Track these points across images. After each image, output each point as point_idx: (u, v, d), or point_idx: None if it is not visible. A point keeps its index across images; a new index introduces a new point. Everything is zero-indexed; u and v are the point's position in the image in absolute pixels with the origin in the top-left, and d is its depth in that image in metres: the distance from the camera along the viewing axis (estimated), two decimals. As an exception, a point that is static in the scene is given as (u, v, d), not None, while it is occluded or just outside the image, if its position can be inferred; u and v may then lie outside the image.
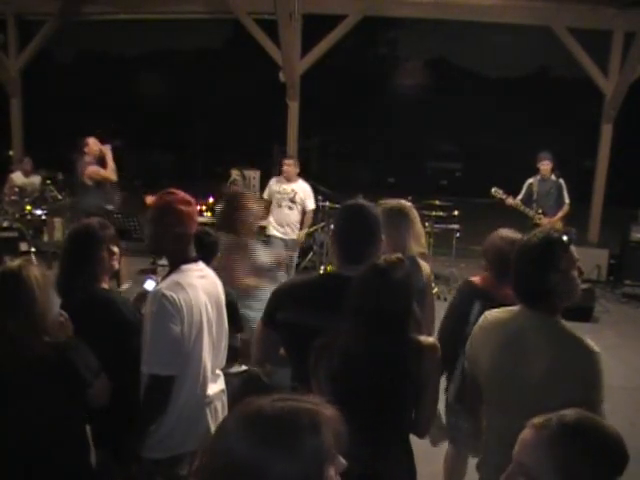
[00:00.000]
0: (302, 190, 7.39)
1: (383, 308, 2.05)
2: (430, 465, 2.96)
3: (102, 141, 7.15)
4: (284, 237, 7.18)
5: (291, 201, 7.27)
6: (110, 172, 6.98)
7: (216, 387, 2.57)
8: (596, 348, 2.02)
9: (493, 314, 2.24)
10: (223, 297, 2.62)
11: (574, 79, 18.59)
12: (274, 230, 7.19)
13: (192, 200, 2.51)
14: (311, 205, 7.47)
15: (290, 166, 7.36)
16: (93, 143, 7.09)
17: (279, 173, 7.54)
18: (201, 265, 2.54)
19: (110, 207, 7.06)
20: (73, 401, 2.23)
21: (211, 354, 2.49)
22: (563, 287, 2.06)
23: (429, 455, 2.66)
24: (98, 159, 7.09)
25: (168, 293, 2.32)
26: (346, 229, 2.34)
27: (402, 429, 2.19)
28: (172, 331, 2.29)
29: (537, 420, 1.31)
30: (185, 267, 2.44)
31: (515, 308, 2.17)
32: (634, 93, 9.24)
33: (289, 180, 7.34)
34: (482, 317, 2.28)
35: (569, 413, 1.31)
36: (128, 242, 6.55)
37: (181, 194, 2.49)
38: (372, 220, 2.31)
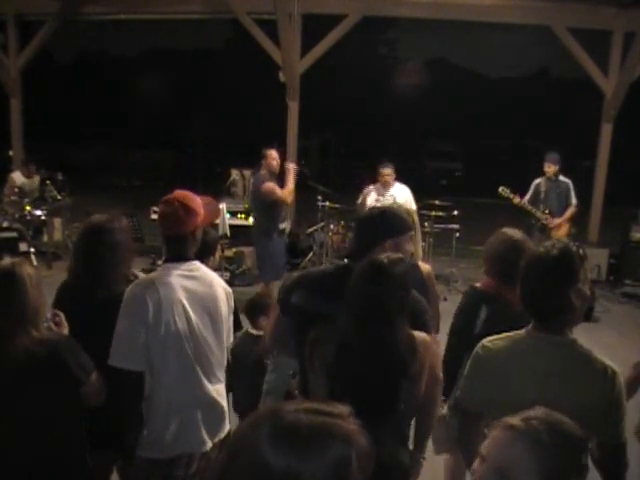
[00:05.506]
0: (401, 194, 7.26)
1: (377, 301, 2.11)
2: (431, 465, 2.96)
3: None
4: None
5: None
6: (287, 193, 6.37)
7: (211, 391, 2.50)
8: (615, 367, 1.96)
9: (494, 342, 2.08)
10: (220, 298, 2.54)
11: (574, 79, 18.59)
12: None
13: (179, 199, 2.45)
14: (413, 206, 7.27)
15: (389, 175, 7.26)
16: (272, 157, 6.53)
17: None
18: (193, 265, 2.50)
19: (282, 226, 6.65)
20: (67, 400, 2.23)
21: (199, 356, 2.43)
22: (577, 302, 1.97)
23: (429, 455, 2.66)
24: (276, 175, 6.62)
25: (134, 290, 2.37)
26: (356, 228, 2.66)
27: (396, 421, 2.23)
28: (132, 327, 2.32)
29: (513, 421, 1.29)
30: (168, 265, 2.46)
31: (520, 332, 2.06)
32: (634, 93, 9.23)
33: (386, 189, 7.24)
34: (480, 347, 2.11)
35: (545, 416, 1.29)
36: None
37: (174, 194, 2.49)
38: (375, 223, 2.49)
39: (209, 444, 2.47)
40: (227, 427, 2.59)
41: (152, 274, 2.49)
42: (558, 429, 1.27)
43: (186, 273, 2.45)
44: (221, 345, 2.54)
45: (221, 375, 2.58)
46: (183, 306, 2.39)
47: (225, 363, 2.61)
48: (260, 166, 6.63)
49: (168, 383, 2.37)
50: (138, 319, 2.32)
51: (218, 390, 2.54)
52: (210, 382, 2.49)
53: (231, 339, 2.69)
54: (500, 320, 2.80)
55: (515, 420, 1.29)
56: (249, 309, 3.66)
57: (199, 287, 2.46)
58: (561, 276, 1.96)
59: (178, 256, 2.47)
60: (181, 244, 2.47)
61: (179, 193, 2.50)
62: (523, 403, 1.98)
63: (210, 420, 2.49)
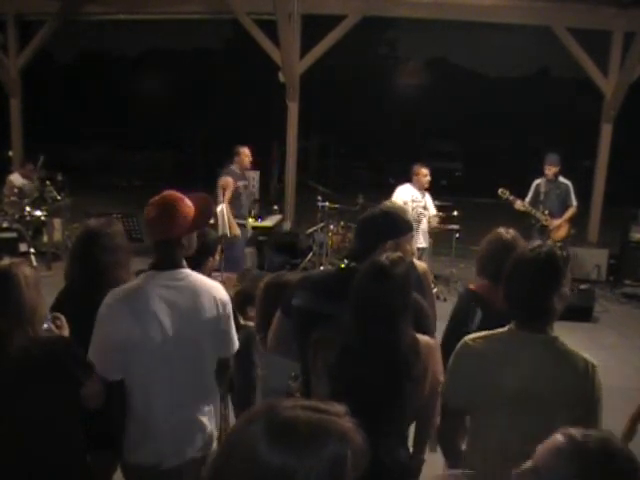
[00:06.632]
0: (429, 197, 7.50)
1: (380, 302, 2.11)
2: (431, 466, 2.96)
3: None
4: (419, 246, 7.09)
5: (424, 209, 7.31)
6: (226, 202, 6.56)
7: (191, 407, 2.39)
8: (594, 361, 2.03)
9: (476, 340, 2.14)
10: (207, 309, 2.38)
11: (574, 79, 18.58)
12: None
13: (165, 203, 2.35)
14: (434, 211, 7.52)
15: (427, 176, 7.41)
16: (245, 154, 6.88)
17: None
18: (179, 273, 2.38)
19: (242, 221, 6.86)
20: (66, 400, 2.23)
21: (175, 369, 2.34)
22: (558, 305, 2.04)
23: (429, 456, 2.66)
24: (247, 172, 7.01)
25: (109, 300, 2.33)
26: (358, 228, 2.64)
27: (399, 423, 2.23)
28: (105, 337, 2.30)
29: (575, 432, 1.25)
30: (150, 274, 2.38)
31: (502, 330, 2.12)
32: (634, 93, 9.23)
33: (422, 189, 7.39)
34: (462, 344, 2.16)
35: (608, 439, 1.25)
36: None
37: (160, 197, 2.39)
38: (378, 224, 2.52)
39: (181, 459, 2.37)
40: (210, 447, 2.45)
41: (131, 283, 2.40)
42: (613, 457, 1.21)
43: (168, 283, 2.34)
44: (206, 359, 2.42)
45: (209, 390, 2.47)
46: (158, 318, 2.29)
47: (214, 376, 2.49)
48: (232, 162, 6.91)
49: (143, 393, 2.34)
50: (110, 330, 2.29)
51: (201, 406, 2.43)
52: (192, 397, 2.40)
53: (233, 347, 2.54)
54: (495, 320, 2.81)
55: (575, 432, 1.25)
56: (237, 301, 3.63)
57: (180, 297, 2.34)
58: (548, 279, 2.03)
59: (164, 262, 2.37)
60: (168, 250, 2.37)
61: (166, 195, 2.39)
62: (506, 399, 2.02)
63: (186, 435, 2.38)
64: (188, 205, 2.39)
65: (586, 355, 2.04)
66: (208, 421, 2.45)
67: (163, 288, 2.33)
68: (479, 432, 2.17)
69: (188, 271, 2.41)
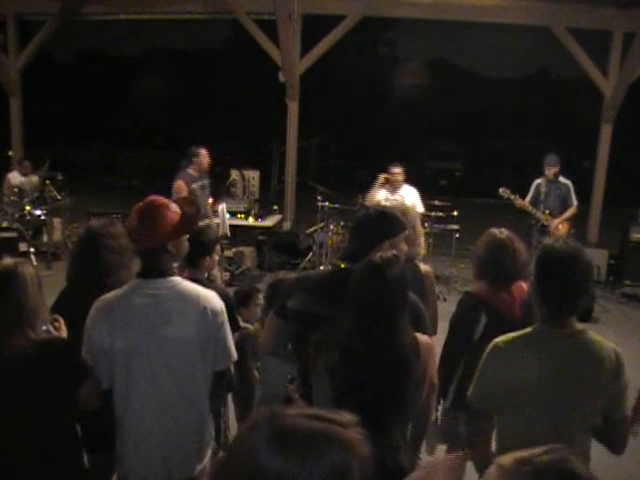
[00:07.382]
0: (410, 196, 7.30)
1: (379, 302, 2.11)
2: (429, 465, 2.96)
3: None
4: None
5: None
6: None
7: (175, 422, 2.30)
8: (618, 349, 2.10)
9: (505, 341, 2.15)
10: (195, 319, 2.30)
11: (574, 79, 18.59)
12: None
13: (146, 211, 2.30)
14: (421, 209, 7.37)
15: (397, 174, 7.24)
16: (204, 155, 6.88)
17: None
18: (167, 282, 2.30)
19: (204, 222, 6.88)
20: (64, 401, 2.23)
21: (156, 381, 2.28)
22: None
23: (425, 457, 2.66)
24: (205, 172, 6.97)
25: (93, 309, 2.31)
26: (354, 229, 2.68)
27: (400, 423, 2.24)
28: (90, 347, 2.29)
29: (505, 460, 1.14)
30: (134, 283, 2.33)
31: (530, 329, 2.12)
32: (634, 93, 9.23)
33: (396, 189, 7.27)
34: (491, 347, 2.16)
35: (561, 457, 1.13)
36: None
37: (142, 204, 2.34)
38: (374, 224, 2.53)
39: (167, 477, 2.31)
40: (199, 466, 2.37)
41: (115, 292, 2.35)
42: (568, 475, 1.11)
43: (153, 292, 2.27)
44: (195, 372, 2.33)
45: (199, 404, 2.37)
46: (141, 329, 2.26)
47: (207, 390, 2.41)
48: (189, 163, 6.83)
49: (127, 404, 2.32)
50: (94, 340, 2.28)
51: (189, 420, 2.35)
52: (179, 409, 2.32)
53: (229, 358, 2.45)
54: (499, 325, 2.81)
55: (522, 454, 1.14)
56: (234, 301, 3.61)
57: (166, 307, 2.27)
58: (588, 277, 2.10)
59: (149, 271, 2.31)
60: (153, 258, 2.31)
61: (148, 202, 2.34)
62: (533, 397, 2.04)
63: (172, 453, 2.31)
64: (172, 210, 2.32)
65: (612, 344, 2.10)
66: (198, 436, 2.38)
67: (148, 297, 2.27)
68: (506, 432, 2.18)
69: (178, 279, 2.34)
